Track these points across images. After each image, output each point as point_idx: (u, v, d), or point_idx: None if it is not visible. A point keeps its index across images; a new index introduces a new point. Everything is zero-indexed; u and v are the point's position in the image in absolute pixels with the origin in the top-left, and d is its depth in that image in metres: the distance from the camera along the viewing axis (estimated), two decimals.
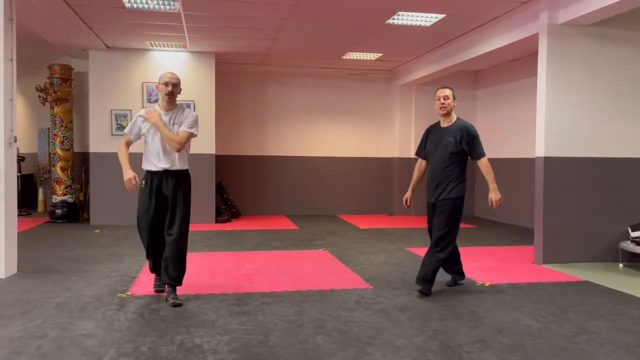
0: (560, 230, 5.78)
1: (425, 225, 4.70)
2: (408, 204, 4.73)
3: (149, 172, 4.15)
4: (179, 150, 4.07)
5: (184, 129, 4.07)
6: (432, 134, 4.62)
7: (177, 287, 4.18)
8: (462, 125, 4.45)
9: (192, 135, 4.11)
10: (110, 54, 8.56)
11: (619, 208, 5.90)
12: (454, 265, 4.74)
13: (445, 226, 4.35)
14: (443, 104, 4.44)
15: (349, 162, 10.65)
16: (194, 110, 8.70)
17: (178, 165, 4.13)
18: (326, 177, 10.48)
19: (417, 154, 4.79)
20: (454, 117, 4.52)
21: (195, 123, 4.13)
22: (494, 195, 4.43)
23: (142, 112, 4.18)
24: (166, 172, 4.11)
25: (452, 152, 4.40)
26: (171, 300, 4.04)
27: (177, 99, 4.20)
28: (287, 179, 10.41)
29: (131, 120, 8.48)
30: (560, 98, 5.73)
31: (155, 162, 4.10)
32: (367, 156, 10.71)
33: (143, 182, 4.15)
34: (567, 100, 5.76)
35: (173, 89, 4.09)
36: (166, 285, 4.16)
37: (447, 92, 4.47)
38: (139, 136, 4.22)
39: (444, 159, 4.42)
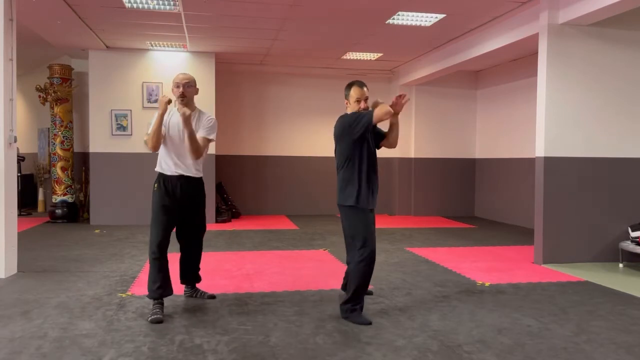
0: (560, 230, 5.78)
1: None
2: None
3: (164, 175, 3.90)
4: (197, 159, 3.91)
5: (202, 134, 3.87)
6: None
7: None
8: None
9: (209, 141, 3.96)
10: (110, 54, 8.56)
11: (619, 208, 5.90)
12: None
13: None
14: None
15: None
16: None
17: (194, 172, 3.96)
18: (326, 177, 10.45)
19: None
20: None
21: (213, 128, 3.94)
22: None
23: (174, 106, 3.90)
24: (181, 178, 3.91)
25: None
26: (207, 295, 4.30)
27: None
28: (287, 179, 10.41)
29: (131, 120, 8.66)
30: (560, 98, 5.73)
31: (172, 167, 3.88)
32: None
33: (155, 185, 3.90)
34: (567, 100, 5.76)
35: (184, 90, 3.84)
36: (195, 286, 4.37)
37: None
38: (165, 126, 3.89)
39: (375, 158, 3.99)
